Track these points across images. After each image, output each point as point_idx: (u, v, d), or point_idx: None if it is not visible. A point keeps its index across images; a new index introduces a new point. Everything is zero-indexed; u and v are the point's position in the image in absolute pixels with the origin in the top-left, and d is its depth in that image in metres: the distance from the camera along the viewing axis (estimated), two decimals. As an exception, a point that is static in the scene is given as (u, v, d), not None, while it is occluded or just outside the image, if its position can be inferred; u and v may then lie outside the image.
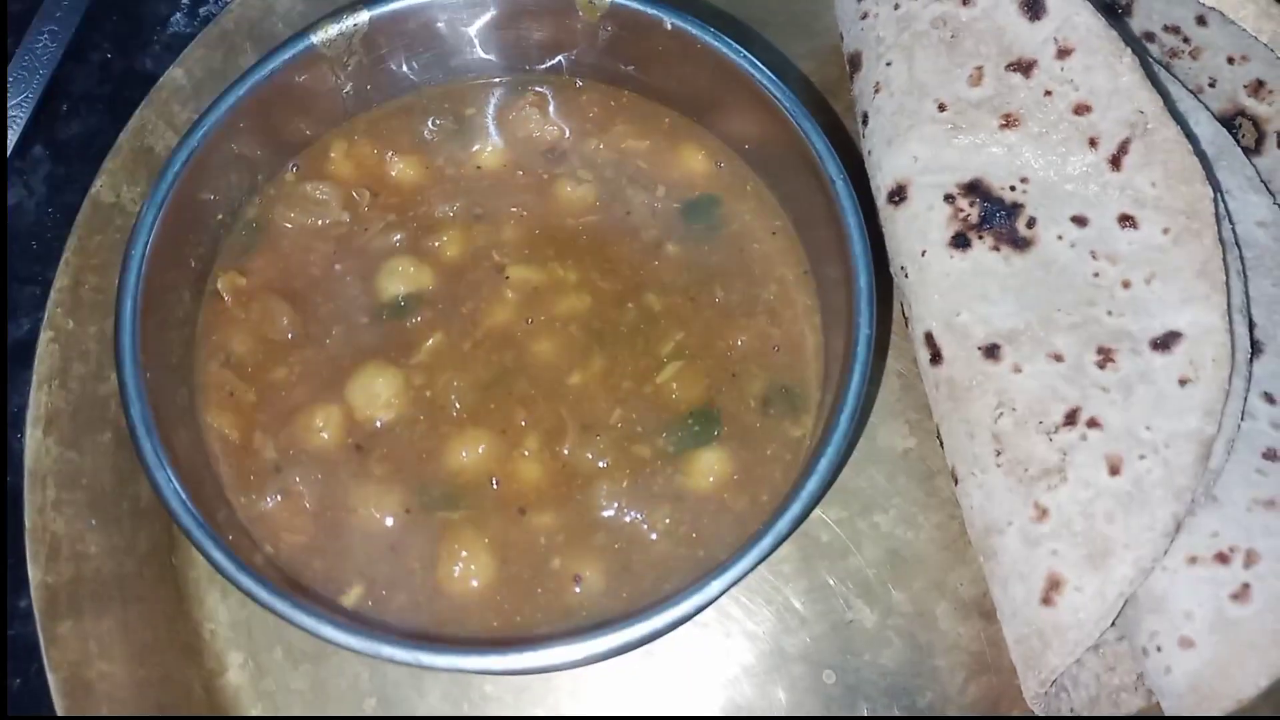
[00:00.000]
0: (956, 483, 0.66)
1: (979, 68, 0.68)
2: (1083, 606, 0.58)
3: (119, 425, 0.66)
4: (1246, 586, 0.58)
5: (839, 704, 0.65)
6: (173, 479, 0.56)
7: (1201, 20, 0.76)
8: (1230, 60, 0.75)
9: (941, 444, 0.67)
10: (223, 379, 0.63)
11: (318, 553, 0.60)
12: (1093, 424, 0.61)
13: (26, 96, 0.79)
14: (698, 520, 0.61)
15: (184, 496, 0.55)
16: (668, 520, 0.61)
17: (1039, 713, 0.61)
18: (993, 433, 0.63)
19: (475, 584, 0.59)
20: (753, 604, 0.67)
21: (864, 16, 0.73)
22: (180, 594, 0.65)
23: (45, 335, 0.64)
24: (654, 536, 0.60)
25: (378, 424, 0.62)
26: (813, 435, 0.62)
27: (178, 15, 0.83)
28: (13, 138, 0.78)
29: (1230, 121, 0.74)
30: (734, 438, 0.63)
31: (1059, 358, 0.63)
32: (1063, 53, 0.67)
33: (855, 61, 0.74)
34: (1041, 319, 0.64)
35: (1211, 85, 0.76)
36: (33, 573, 0.60)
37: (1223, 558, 0.59)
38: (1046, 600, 0.59)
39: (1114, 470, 0.59)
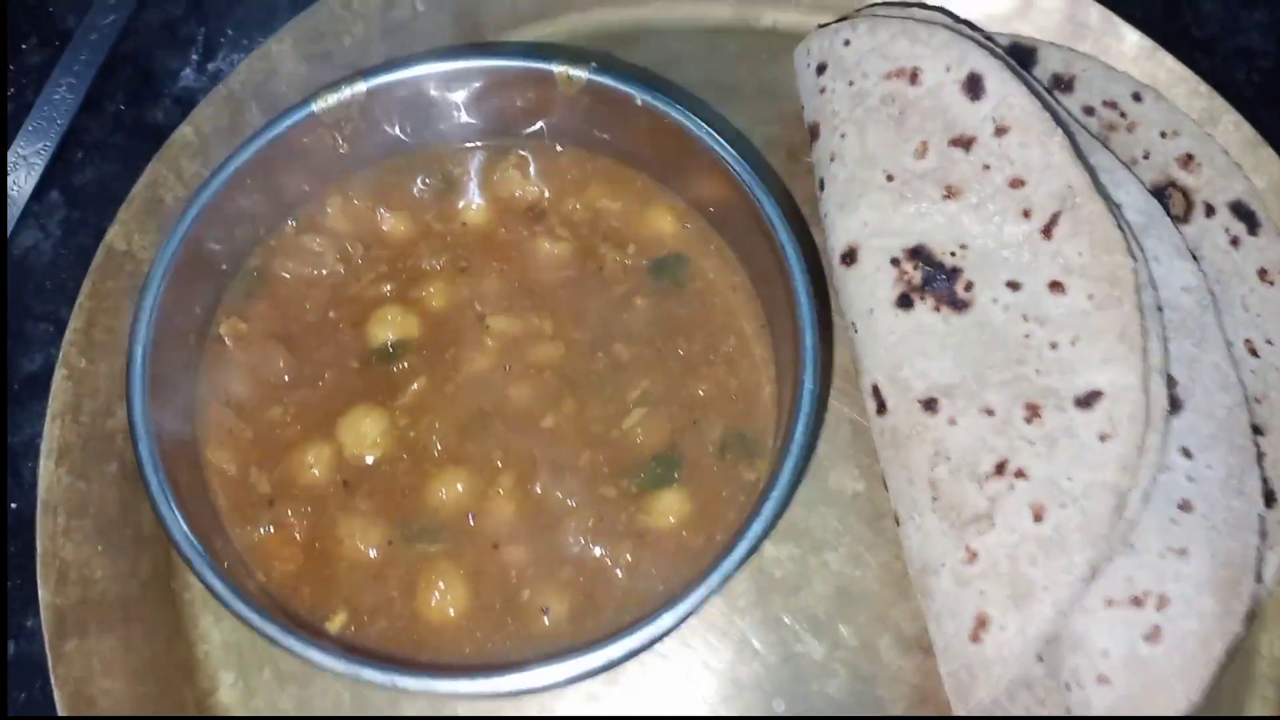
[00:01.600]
0: (899, 524, 0.71)
1: (924, 142, 0.75)
2: (1006, 643, 0.64)
3: (125, 457, 0.71)
4: (1158, 628, 0.64)
5: (787, 728, 0.70)
6: (175, 511, 0.61)
7: (1137, 96, 0.83)
8: (1163, 134, 0.82)
9: (886, 488, 0.73)
10: (223, 417, 0.68)
11: (306, 580, 0.65)
12: (1020, 474, 0.66)
13: (45, 145, 0.84)
14: (657, 557, 0.66)
15: (185, 527, 0.60)
16: (630, 556, 0.66)
17: (970, 743, 0.67)
18: (930, 479, 0.69)
19: (451, 612, 0.64)
20: (710, 635, 0.72)
21: (822, 91, 0.80)
22: (178, 616, 0.70)
23: (60, 373, 0.69)
24: (618, 572, 0.66)
25: (365, 462, 0.68)
26: (766, 479, 0.68)
27: (188, 70, 0.89)
28: (31, 183, 0.84)
29: (1162, 192, 0.80)
30: (693, 480, 0.68)
31: (990, 412, 0.68)
32: (1000, 130, 0.73)
33: (814, 131, 0.80)
34: (976, 375, 0.70)
35: (1145, 157, 0.82)
36: (42, 594, 0.65)
37: (1137, 601, 0.64)
38: (975, 637, 0.65)
39: (1037, 517, 0.65)
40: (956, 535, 0.67)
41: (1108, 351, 0.68)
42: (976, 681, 0.64)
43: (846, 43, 0.78)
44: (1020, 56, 0.83)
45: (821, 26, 0.82)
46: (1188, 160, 0.80)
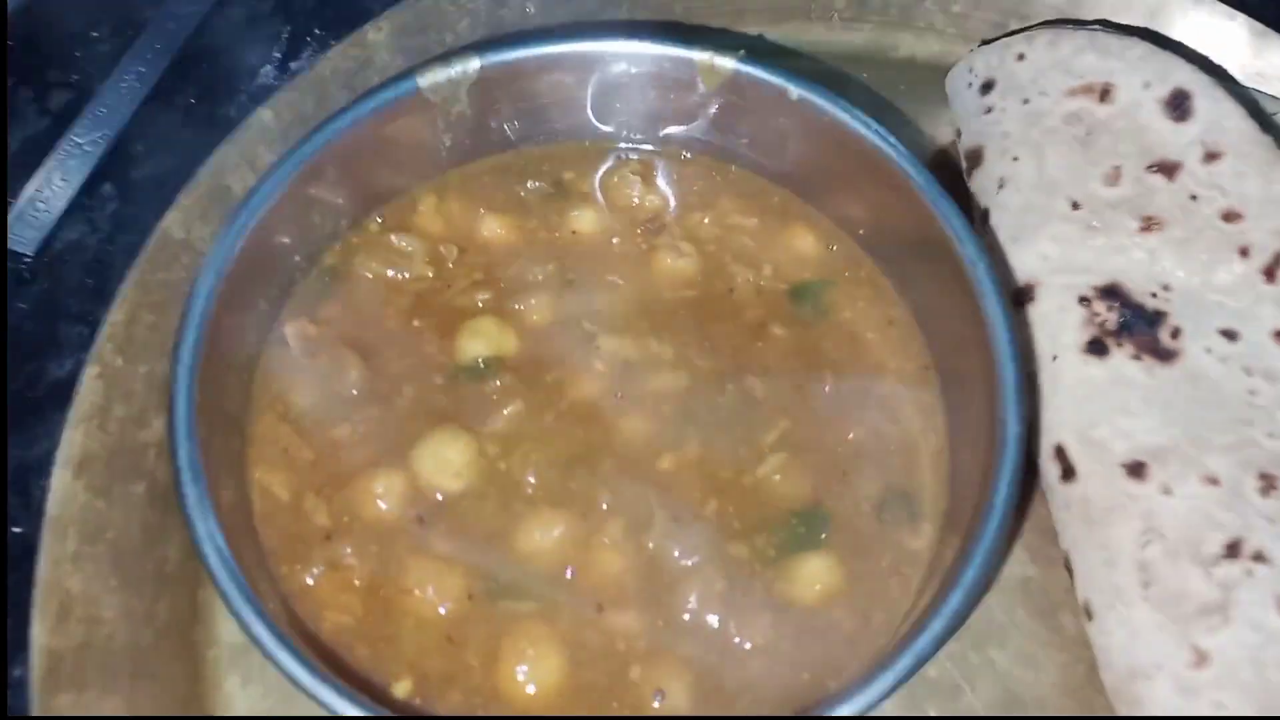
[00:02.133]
0: (1090, 618, 0.57)
1: (1116, 167, 0.64)
2: (1259, 775, 0.49)
3: (157, 477, 0.59)
4: None
5: None
6: (215, 531, 0.49)
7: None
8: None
9: (1070, 573, 0.60)
10: (279, 433, 0.57)
11: (363, 637, 0.52)
12: (1259, 558, 0.53)
13: (103, 134, 0.76)
14: (802, 637, 0.53)
15: (225, 552, 0.48)
16: (767, 634, 0.53)
17: None
18: (1138, 561, 0.55)
19: (541, 689, 0.51)
20: (850, 744, 0.58)
21: (988, 111, 0.69)
22: (196, 675, 0.57)
23: (90, 370, 0.58)
24: (749, 650, 0.52)
25: (444, 496, 0.56)
26: (935, 549, 0.55)
27: (268, 68, 0.80)
28: (83, 173, 0.75)
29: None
30: (844, 545, 0.55)
31: (1214, 481, 0.55)
32: (1210, 156, 0.62)
33: (975, 157, 0.70)
34: (1192, 438, 0.57)
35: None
36: (37, 633, 0.52)
37: None
38: (1211, 763, 0.50)
39: (1289, 613, 0.51)
40: (1179, 632, 0.53)
41: (1361, 414, 0.55)
42: (1216, 824, 0.50)
43: (1021, 57, 0.68)
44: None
45: (986, 43, 0.72)
46: None
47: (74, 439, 0.57)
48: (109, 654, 0.54)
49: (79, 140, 0.76)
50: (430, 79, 0.60)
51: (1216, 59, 0.72)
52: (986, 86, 0.70)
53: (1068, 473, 0.59)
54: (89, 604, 0.54)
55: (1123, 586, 0.56)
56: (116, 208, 0.75)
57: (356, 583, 0.53)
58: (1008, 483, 0.50)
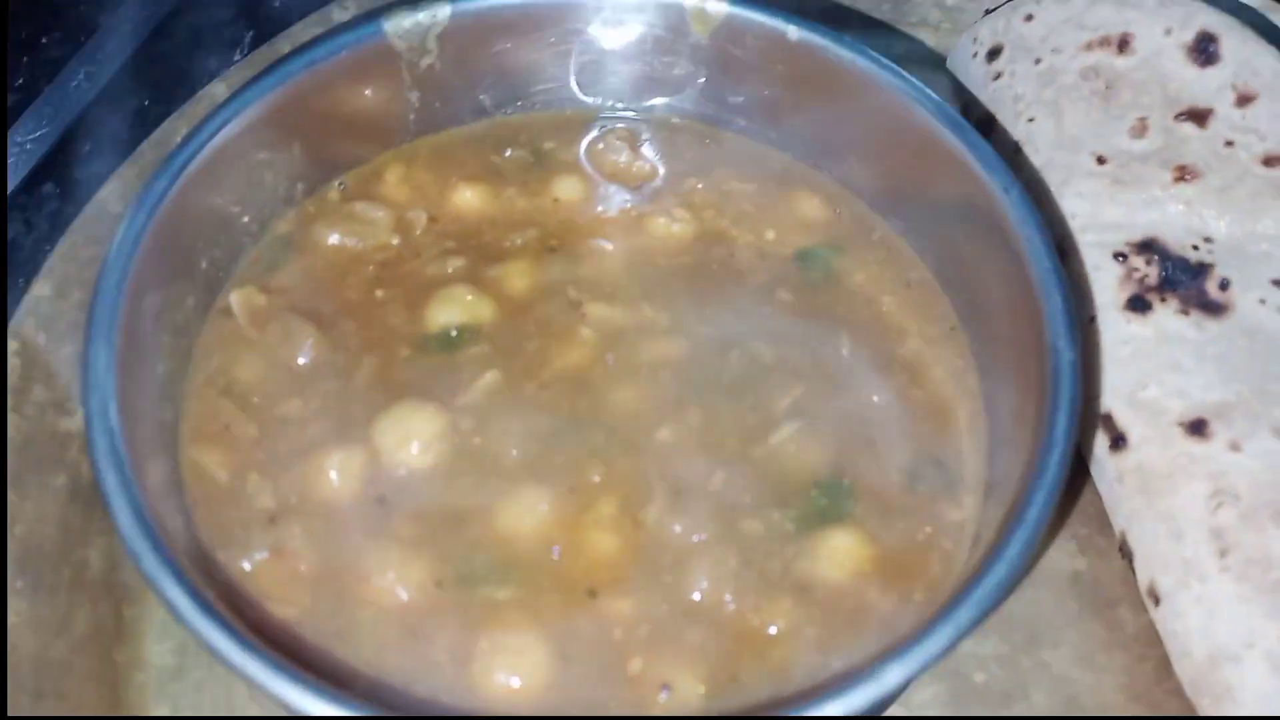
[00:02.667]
0: (1157, 602, 0.50)
1: (1142, 119, 0.59)
2: (1390, 759, 0.41)
3: (80, 473, 0.52)
4: None
5: None
6: (140, 503, 0.41)
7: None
8: None
9: (1127, 556, 0.52)
10: (218, 408, 0.49)
11: (312, 630, 0.44)
12: (1356, 513, 0.46)
13: (47, 132, 0.70)
14: (830, 620, 0.45)
15: (151, 524, 0.40)
16: (790, 617, 0.45)
17: None
18: (1211, 529, 0.48)
19: (523, 686, 0.43)
20: (889, 759, 0.49)
21: (997, 77, 0.65)
22: (117, 700, 0.49)
23: (10, 345, 0.51)
24: (770, 636, 0.44)
25: (409, 473, 0.48)
26: (979, 521, 0.48)
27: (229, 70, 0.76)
28: (23, 172, 0.69)
29: None
30: (873, 517, 0.48)
31: (1291, 434, 0.49)
32: (1244, 100, 0.58)
33: (986, 126, 0.65)
34: (1256, 390, 0.51)
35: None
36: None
37: None
38: (1326, 751, 0.42)
39: (1399, 571, 0.44)
40: (1269, 603, 0.45)
41: None
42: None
43: (1029, 18, 0.64)
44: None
45: (989, 12, 0.68)
46: None
47: (-18, 422, 0.49)
48: (10, 665, 0.45)
49: (19, 140, 0.70)
50: (396, 23, 0.55)
51: None
52: (993, 53, 0.66)
53: (1118, 441, 0.52)
54: (-14, 607, 0.46)
55: (1194, 559, 0.48)
56: (56, 207, 0.68)
57: (304, 570, 0.45)
58: (1061, 444, 0.43)
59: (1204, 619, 0.47)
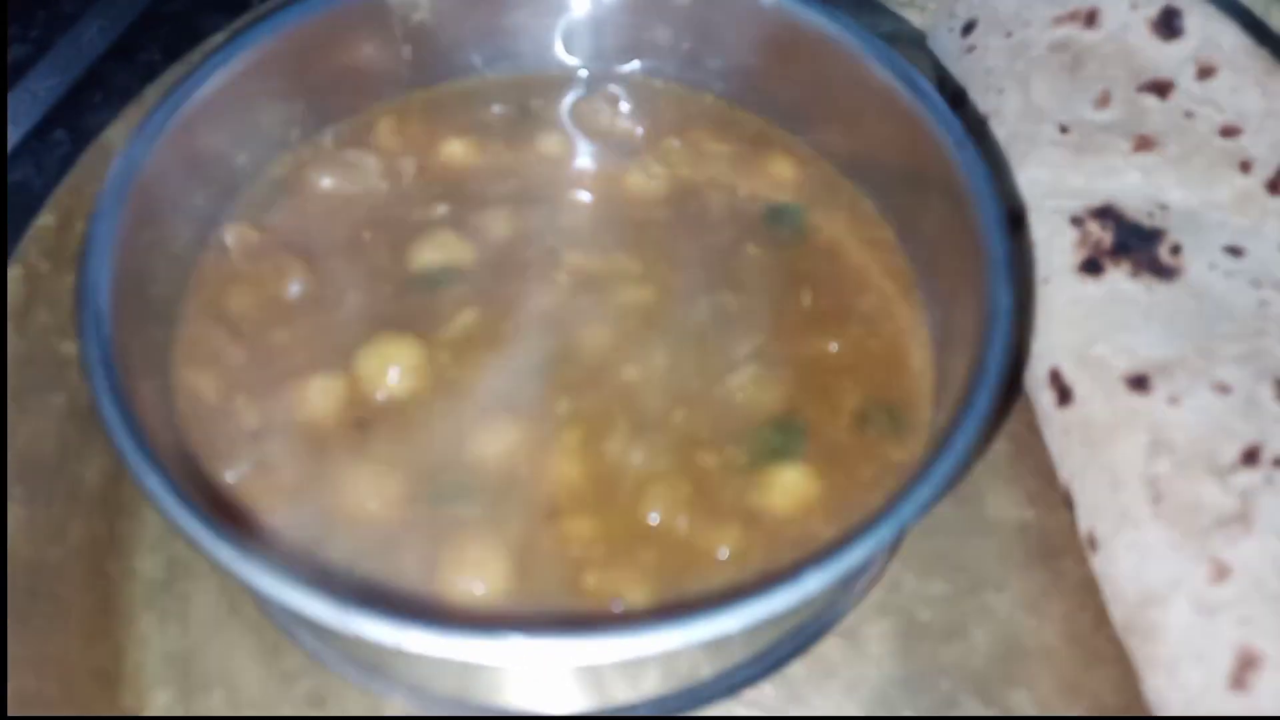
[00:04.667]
0: (1095, 549, 0.52)
1: (1106, 90, 0.61)
2: (1293, 688, 0.43)
3: (76, 393, 0.55)
4: None
5: (943, 833, 0.49)
6: (129, 412, 0.44)
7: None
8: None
9: (1070, 507, 0.54)
10: (210, 335, 0.52)
11: (292, 537, 0.47)
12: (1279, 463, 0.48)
13: (59, 81, 0.73)
14: (774, 546, 0.48)
15: (139, 435, 0.43)
16: (736, 542, 0.47)
17: None
18: (1146, 478, 0.51)
19: (484, 593, 0.46)
20: (836, 688, 0.52)
21: (970, 50, 0.67)
22: (107, 608, 0.52)
23: (13, 271, 0.54)
24: (718, 559, 0.47)
25: (387, 400, 0.51)
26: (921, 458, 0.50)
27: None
28: (34, 117, 0.72)
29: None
30: (823, 456, 0.50)
31: (1226, 389, 0.51)
32: (1205, 72, 0.60)
33: (959, 98, 0.67)
34: (1199, 349, 0.53)
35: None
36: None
37: None
38: (1238, 682, 0.45)
39: (1317, 517, 0.46)
40: (1195, 547, 0.48)
41: (1381, 319, 0.51)
42: (1248, 750, 0.44)
43: (1002, -7, 0.67)
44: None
45: (959, 3, 0.70)
46: None
47: (-13, 339, 0.52)
48: (8, 569, 0.48)
49: (32, 88, 0.73)
50: (388, -17, 0.57)
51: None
52: (968, 27, 0.68)
53: (1064, 396, 0.55)
54: (-14, 512, 0.49)
55: (1130, 506, 0.50)
56: (67, 151, 0.71)
57: (285, 483, 0.48)
58: (989, 382, 0.45)
59: (1136, 563, 0.50)
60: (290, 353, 0.52)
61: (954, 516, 0.57)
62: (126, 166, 0.50)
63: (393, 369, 0.51)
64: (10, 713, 0.45)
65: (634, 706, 0.48)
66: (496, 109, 0.63)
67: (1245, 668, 0.44)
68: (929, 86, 0.54)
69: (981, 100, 0.65)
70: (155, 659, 0.51)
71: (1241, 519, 0.47)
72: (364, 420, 0.50)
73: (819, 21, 0.57)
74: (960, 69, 0.68)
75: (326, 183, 0.58)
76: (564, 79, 0.64)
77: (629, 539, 0.47)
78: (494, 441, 0.50)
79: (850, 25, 0.56)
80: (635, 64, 0.64)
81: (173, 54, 0.78)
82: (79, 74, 0.74)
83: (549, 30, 0.63)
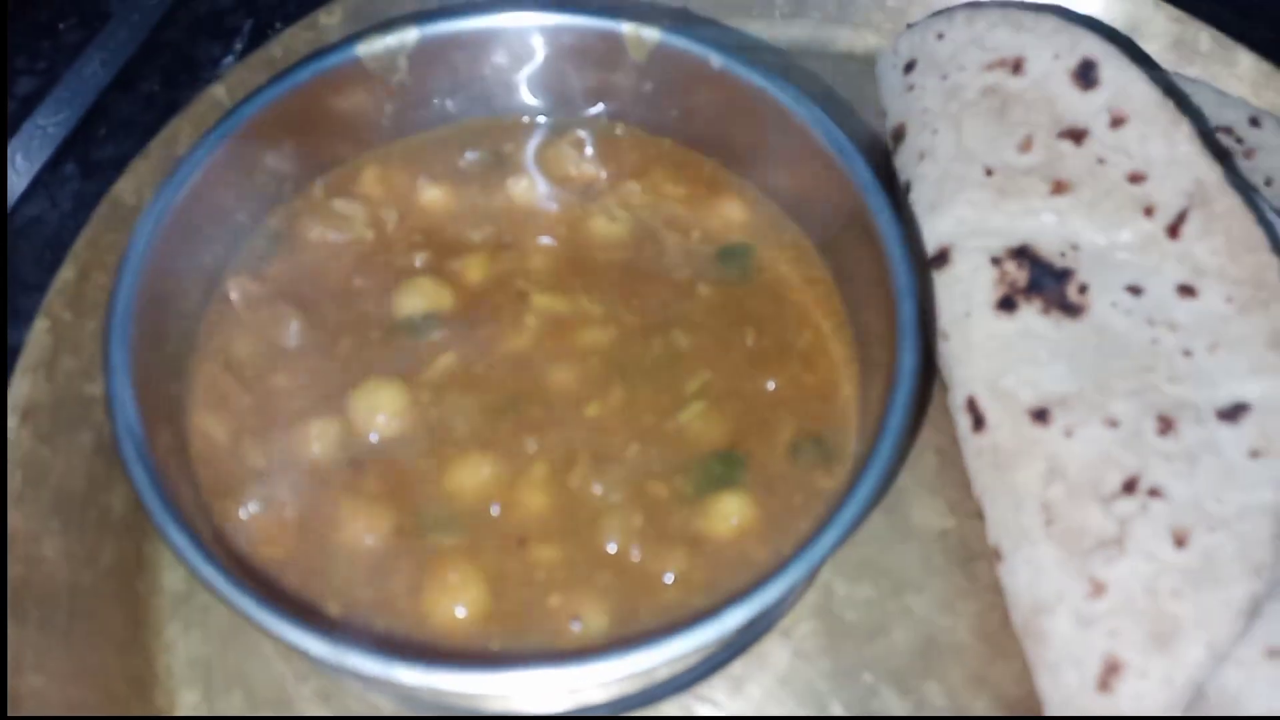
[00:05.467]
0: (1000, 560, 0.60)
1: (1029, 135, 0.67)
2: (1147, 693, 0.51)
3: (103, 430, 0.62)
4: (1337, 686, 0.51)
5: (861, 806, 0.57)
6: (152, 475, 0.51)
7: (1255, 121, 0.75)
8: (1286, 163, 0.74)
9: (983, 519, 0.62)
10: (219, 381, 0.59)
11: (294, 568, 0.54)
12: (1154, 493, 0.55)
13: (67, 116, 0.79)
14: (715, 567, 0.55)
15: (155, 478, 0.50)
16: (681, 565, 0.55)
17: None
18: (1042, 501, 0.58)
19: (464, 614, 0.53)
20: (770, 682, 0.60)
21: (910, 89, 0.73)
22: (137, 620, 0.59)
23: (40, 323, 0.61)
24: (666, 581, 0.54)
25: (377, 439, 0.58)
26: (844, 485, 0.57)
27: (230, 58, 0.84)
28: (45, 153, 0.78)
29: (1285, 224, 0.72)
30: (759, 484, 0.58)
31: (1115, 423, 0.58)
32: (1116, 122, 0.65)
33: (899, 133, 0.73)
34: (1096, 384, 0.60)
35: (1268, 184, 0.74)
36: (-21, 564, 0.54)
37: (1308, 651, 0.52)
38: (1104, 685, 0.52)
39: (1180, 543, 0.54)
40: (1078, 566, 0.55)
41: (1257, 361, 0.58)
42: (1109, 743, 0.52)
43: (940, 36, 0.72)
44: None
45: (910, 27, 0.75)
46: (1313, 191, 0.72)
47: (21, 387, 0.59)
48: (48, 591, 0.56)
49: (42, 123, 0.79)
50: (369, 48, 0.63)
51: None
52: (909, 66, 0.74)
53: (978, 423, 0.62)
54: (30, 542, 0.56)
55: (1028, 527, 0.58)
56: (78, 186, 0.78)
57: (289, 518, 0.55)
58: (898, 418, 0.52)
59: (1030, 576, 0.57)
60: (291, 397, 0.59)
61: (882, 525, 0.64)
62: (140, 243, 0.56)
63: (380, 413, 0.58)
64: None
65: (598, 706, 0.56)
66: (471, 155, 0.68)
67: (1110, 673, 0.52)
68: (845, 141, 0.60)
69: (918, 138, 0.71)
70: (181, 664, 0.59)
71: (1118, 542, 0.55)
72: (357, 460, 0.57)
73: (761, 84, 0.62)
74: (902, 105, 0.73)
75: (317, 233, 0.64)
76: (533, 125, 0.70)
77: (589, 565, 0.55)
78: (470, 477, 0.57)
79: (785, 86, 0.62)
80: (599, 107, 0.70)
81: (171, 83, 0.83)
82: (86, 108, 0.80)
83: (516, 79, 0.68)
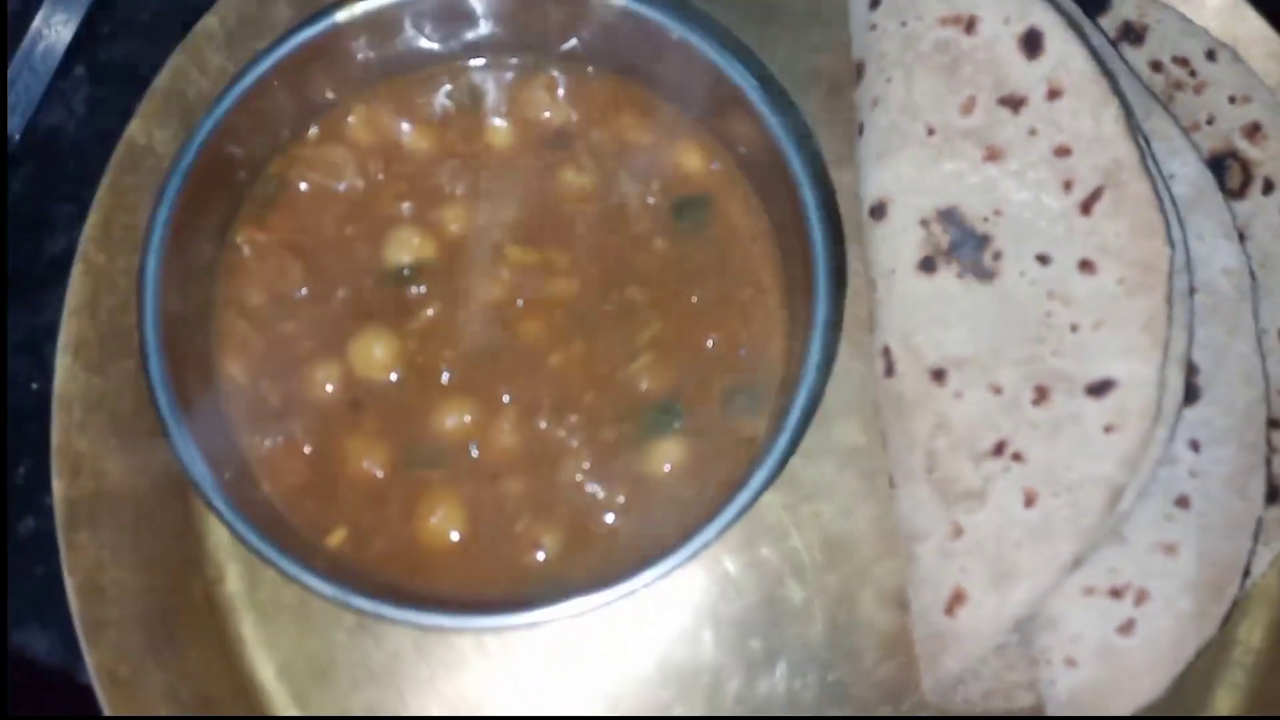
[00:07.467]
0: (893, 487, 0.72)
1: (972, 97, 0.71)
2: (981, 620, 0.65)
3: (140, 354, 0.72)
4: (1132, 621, 0.65)
5: (761, 666, 0.73)
6: (180, 425, 0.63)
7: (1211, 55, 0.78)
8: (1231, 99, 0.77)
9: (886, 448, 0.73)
10: (237, 327, 0.69)
11: (310, 495, 0.67)
12: (1017, 457, 0.66)
13: (70, 17, 0.82)
14: (650, 502, 0.68)
15: (190, 442, 0.62)
16: (624, 499, 0.67)
17: (934, 701, 0.69)
18: (928, 450, 0.69)
19: (447, 537, 0.67)
20: (695, 571, 0.74)
21: (872, 28, 0.75)
22: (187, 510, 0.73)
23: (78, 268, 0.70)
24: (611, 513, 0.67)
25: (373, 383, 0.69)
26: (765, 434, 0.68)
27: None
28: (56, 56, 0.82)
29: (1220, 162, 0.77)
30: (692, 431, 0.69)
31: (999, 390, 0.68)
32: (1053, 94, 0.69)
33: (860, 69, 0.77)
34: (991, 350, 0.69)
35: (1209, 123, 0.78)
36: (56, 487, 0.67)
37: (1116, 593, 0.65)
38: (950, 610, 0.66)
39: (1029, 502, 0.65)
40: (946, 509, 0.67)
41: (1129, 342, 0.66)
42: (946, 652, 0.66)
43: (904, -21, 0.74)
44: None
45: (880, -44, 0.77)
46: (1254, 130, 0.76)
47: (70, 328, 0.70)
48: (114, 499, 0.69)
49: (52, 21, 0.83)
50: (348, 14, 0.67)
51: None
52: (874, 2, 0.76)
53: (889, 370, 0.71)
54: (95, 460, 0.69)
55: (913, 468, 0.69)
56: (89, 91, 0.83)
57: (305, 451, 0.68)
58: (807, 389, 0.63)
59: (910, 508, 0.69)
60: (297, 341, 0.69)
61: (806, 440, 0.76)
62: (164, 206, 0.64)
63: (375, 359, 0.68)
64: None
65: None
66: (450, 99, 0.73)
67: (955, 601, 0.66)
68: (778, 116, 0.66)
69: (875, 82, 0.75)
70: (225, 542, 0.72)
71: (979, 496, 0.66)
72: (357, 400, 0.69)
73: (712, 55, 0.67)
74: (863, 41, 0.76)
75: (313, 181, 0.71)
76: (509, 64, 0.74)
77: (549, 497, 0.67)
78: (453, 420, 0.68)
79: (738, 67, 0.66)
80: (573, 43, 0.74)
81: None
82: (88, 8, 0.83)
83: (491, 13, 0.72)
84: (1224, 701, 0.72)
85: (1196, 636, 0.64)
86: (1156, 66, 0.79)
